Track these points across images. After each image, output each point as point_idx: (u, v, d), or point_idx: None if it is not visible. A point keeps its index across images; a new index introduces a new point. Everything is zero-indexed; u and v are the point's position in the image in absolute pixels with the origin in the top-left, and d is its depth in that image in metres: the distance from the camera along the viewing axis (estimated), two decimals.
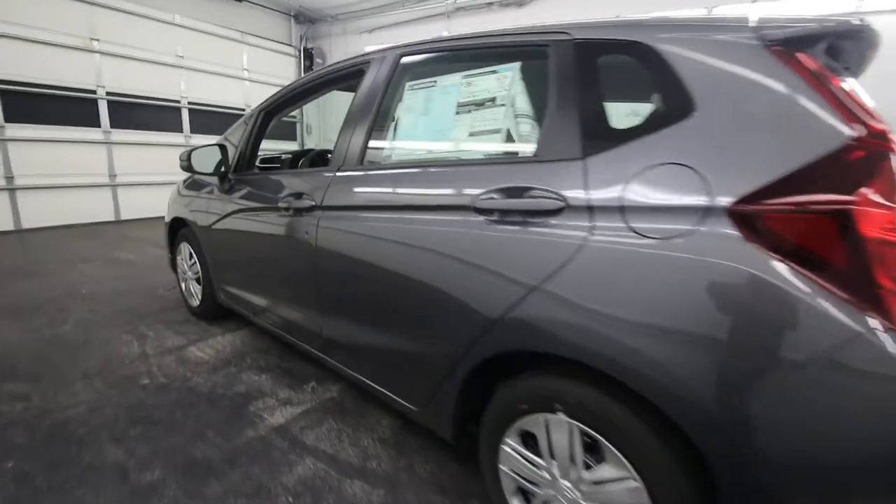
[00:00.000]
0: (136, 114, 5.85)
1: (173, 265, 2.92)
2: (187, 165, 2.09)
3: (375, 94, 1.51)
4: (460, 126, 1.27)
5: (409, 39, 1.57)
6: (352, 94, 1.63)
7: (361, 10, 7.15)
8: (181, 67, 6.25)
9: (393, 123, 1.48)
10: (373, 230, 1.33)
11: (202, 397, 1.85)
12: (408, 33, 6.76)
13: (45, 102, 5.02)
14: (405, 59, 1.48)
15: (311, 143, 8.38)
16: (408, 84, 1.46)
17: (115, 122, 5.65)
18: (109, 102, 5.56)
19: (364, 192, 1.43)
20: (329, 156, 2.70)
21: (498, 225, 1.03)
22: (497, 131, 1.18)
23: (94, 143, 5.52)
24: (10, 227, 5.00)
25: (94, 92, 5.40)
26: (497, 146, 1.20)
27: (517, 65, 1.20)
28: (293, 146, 8.16)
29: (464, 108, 1.27)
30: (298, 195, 1.67)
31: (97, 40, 5.34)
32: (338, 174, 1.54)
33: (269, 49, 7.38)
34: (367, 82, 1.56)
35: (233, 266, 2.24)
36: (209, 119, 6.70)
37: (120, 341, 2.37)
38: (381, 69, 1.53)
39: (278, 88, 2.10)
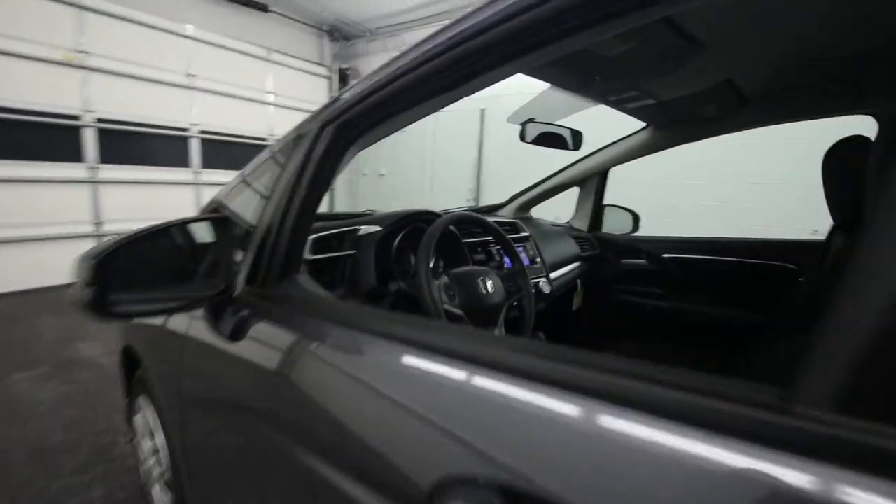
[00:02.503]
0: (132, 145, 4.65)
1: (129, 417, 1.56)
2: (95, 302, 0.71)
3: None
4: None
5: None
6: None
7: (410, 20, 5.99)
8: (192, 88, 5.09)
9: None
10: None
11: None
12: None
13: (8, 131, 3.82)
14: None
15: (343, 178, 7.12)
16: None
17: (106, 156, 4.45)
18: (99, 131, 4.37)
19: None
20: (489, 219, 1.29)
21: None
22: None
23: (76, 182, 4.30)
24: None
25: (77, 118, 4.22)
26: None
27: None
28: None
29: None
30: None
31: (84, 53, 4.19)
32: None
33: (299, 69, 6.24)
34: None
35: None
36: (225, 151, 5.49)
37: None
38: None
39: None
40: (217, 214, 0.86)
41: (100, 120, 4.36)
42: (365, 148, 0.89)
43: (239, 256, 0.91)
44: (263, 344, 0.79)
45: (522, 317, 1.17)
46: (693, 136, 1.60)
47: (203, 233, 0.86)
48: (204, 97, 5.21)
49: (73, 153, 4.25)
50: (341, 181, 7.15)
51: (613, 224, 2.14)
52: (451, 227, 1.30)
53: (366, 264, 1.08)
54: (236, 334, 0.83)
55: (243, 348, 0.83)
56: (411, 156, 6.29)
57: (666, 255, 1.79)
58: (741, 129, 1.51)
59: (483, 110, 5.46)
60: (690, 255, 1.75)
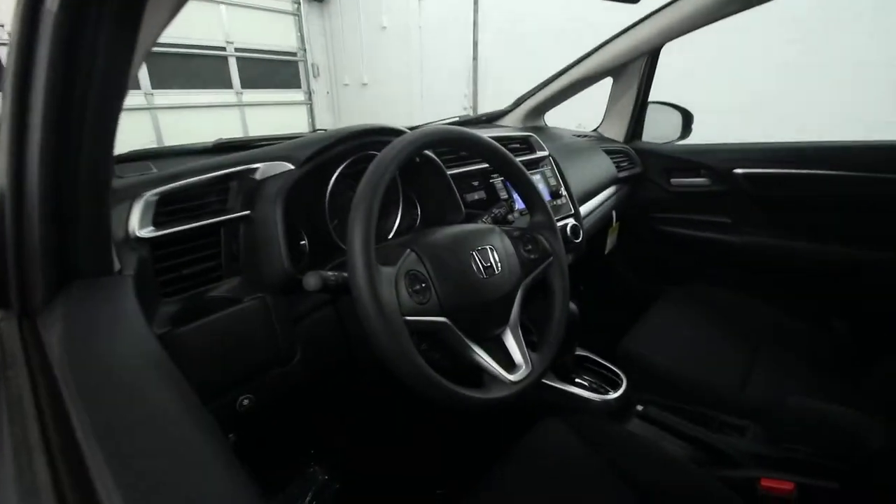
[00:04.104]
0: None
1: None
2: None
3: None
4: None
5: None
6: None
7: None
8: None
9: None
10: None
11: None
12: None
13: None
14: None
15: (321, 90, 6.31)
16: None
17: None
18: None
19: None
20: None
21: None
22: None
23: None
24: None
25: None
26: None
27: None
28: (296, 95, 6.08)
29: None
30: None
31: None
32: None
33: None
34: None
35: None
36: None
37: None
38: None
39: None
40: None
41: None
42: None
43: None
44: None
45: (551, 298, 0.71)
46: None
47: None
48: None
49: None
50: (321, 95, 6.32)
51: (655, 129, 1.59)
52: (430, 154, 0.78)
53: (268, 235, 0.60)
54: None
55: None
56: (396, 59, 5.44)
57: (738, 171, 1.27)
58: None
59: None
60: (776, 170, 1.23)
